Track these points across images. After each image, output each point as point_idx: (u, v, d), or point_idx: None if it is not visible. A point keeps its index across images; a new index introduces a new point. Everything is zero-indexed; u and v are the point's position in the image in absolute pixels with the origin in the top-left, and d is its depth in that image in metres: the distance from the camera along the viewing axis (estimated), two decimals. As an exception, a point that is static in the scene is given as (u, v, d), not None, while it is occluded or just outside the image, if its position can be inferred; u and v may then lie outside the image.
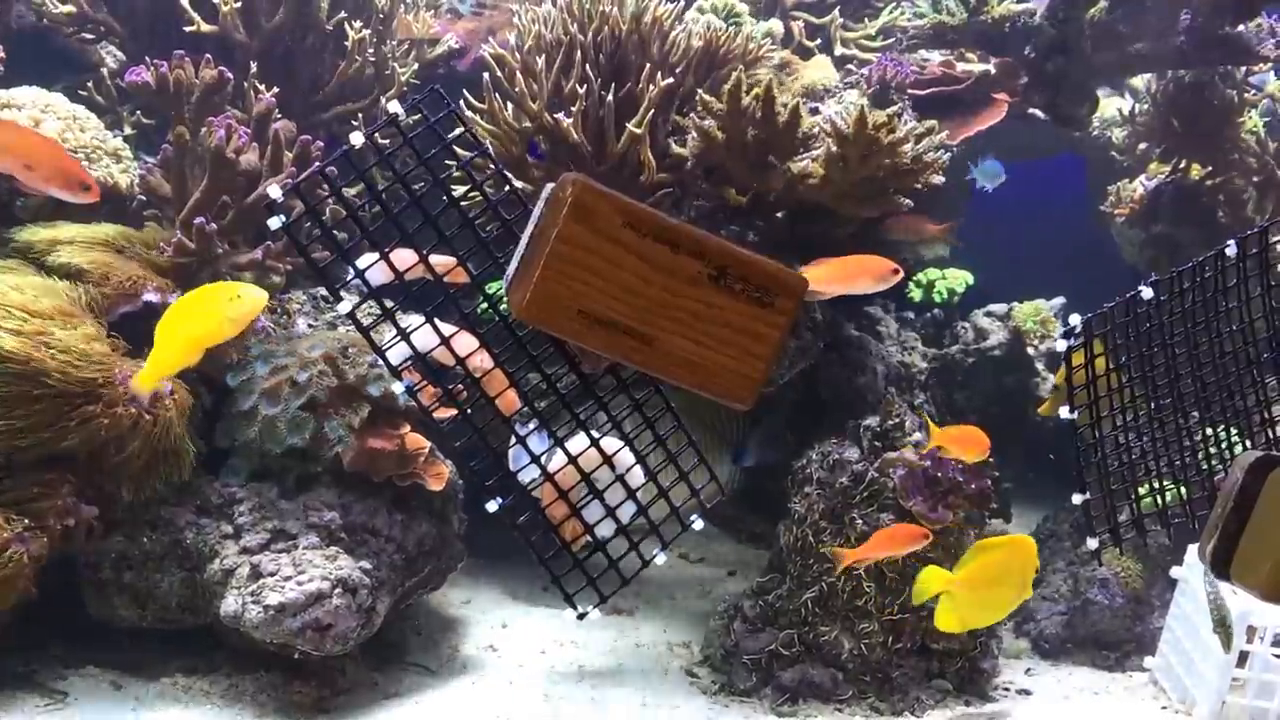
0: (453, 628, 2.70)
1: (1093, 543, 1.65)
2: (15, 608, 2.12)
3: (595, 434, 1.50)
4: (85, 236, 2.40)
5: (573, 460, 1.49)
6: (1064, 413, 1.62)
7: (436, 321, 1.45)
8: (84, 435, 2.09)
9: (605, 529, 1.51)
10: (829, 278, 2.21)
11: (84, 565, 2.24)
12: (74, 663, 2.29)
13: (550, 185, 1.26)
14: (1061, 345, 1.65)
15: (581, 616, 1.52)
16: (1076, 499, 1.65)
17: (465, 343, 1.46)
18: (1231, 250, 1.58)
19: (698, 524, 1.52)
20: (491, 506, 1.51)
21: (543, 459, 1.53)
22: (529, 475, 1.52)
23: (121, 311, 2.32)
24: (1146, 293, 1.58)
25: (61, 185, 2.01)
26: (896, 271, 2.25)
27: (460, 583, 2.80)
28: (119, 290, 2.32)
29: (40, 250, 2.34)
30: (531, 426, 1.49)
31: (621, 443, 1.51)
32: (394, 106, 1.38)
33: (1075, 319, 1.60)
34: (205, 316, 1.87)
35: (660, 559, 1.52)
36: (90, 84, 2.90)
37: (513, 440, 1.50)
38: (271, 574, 2.15)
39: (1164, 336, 1.61)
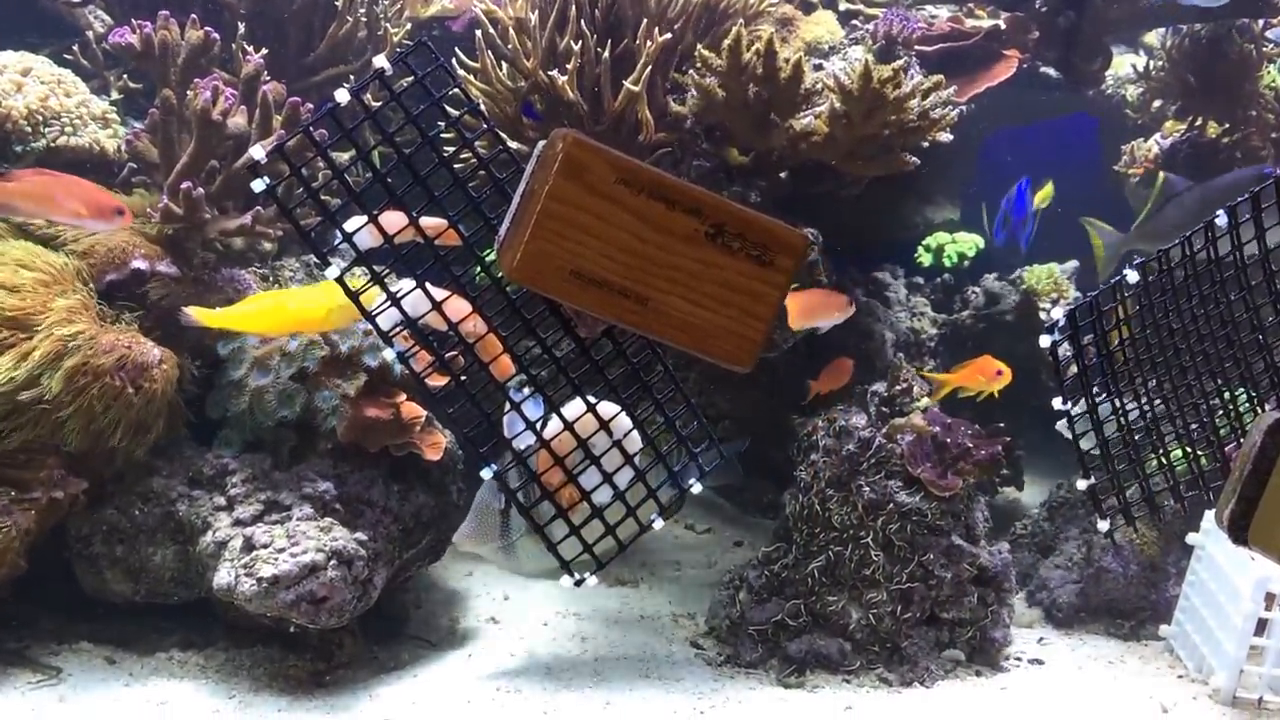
0: (454, 600, 2.66)
1: (1104, 525, 1.60)
2: (6, 582, 2.09)
3: (591, 399, 1.46)
4: (72, 204, 2.34)
5: (568, 426, 1.45)
6: (1057, 403, 1.57)
7: (427, 285, 1.41)
8: (74, 409, 2.05)
9: (602, 495, 1.48)
10: (790, 315, 2.38)
11: (75, 539, 2.20)
12: (67, 638, 2.26)
13: (542, 143, 1.21)
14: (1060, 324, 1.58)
15: (579, 583, 1.50)
16: (1081, 484, 1.60)
17: (457, 307, 1.41)
18: (1222, 221, 1.52)
19: (696, 487, 1.49)
20: (486, 474, 1.49)
21: (538, 425, 1.49)
22: (524, 442, 1.48)
23: (109, 279, 2.27)
24: (1132, 276, 1.52)
25: (94, 214, 2.08)
26: (851, 304, 2.51)
27: (461, 554, 2.75)
28: (106, 259, 2.27)
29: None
30: (526, 392, 1.44)
31: (618, 407, 1.46)
32: (380, 61, 1.32)
33: (1058, 312, 1.55)
34: (314, 303, 1.95)
35: (657, 525, 1.49)
36: (76, 48, 2.84)
37: (507, 406, 1.46)
38: (265, 546, 2.11)
39: (1154, 317, 1.55)
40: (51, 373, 2.03)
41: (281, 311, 1.99)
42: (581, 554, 1.47)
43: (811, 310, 2.45)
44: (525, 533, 2.14)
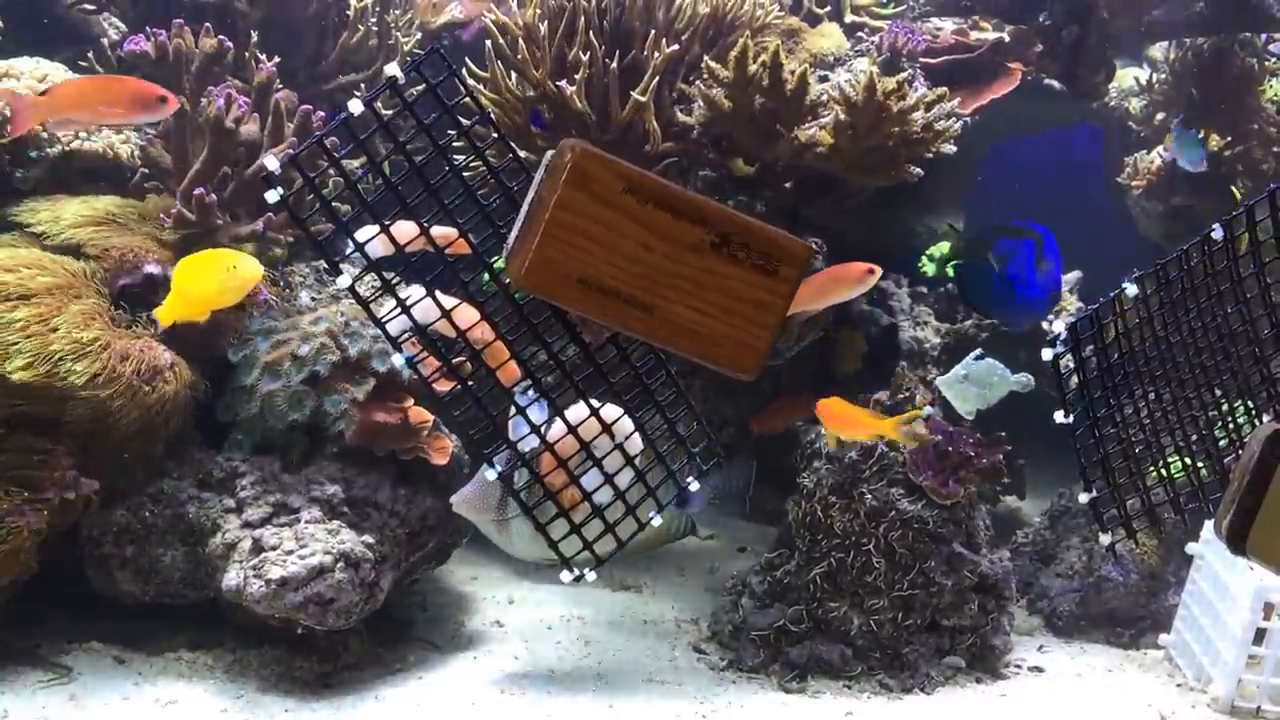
0: (459, 603, 2.68)
1: (1105, 538, 1.62)
2: (17, 582, 2.12)
3: (595, 402, 1.49)
4: (86, 211, 2.37)
5: (572, 430, 1.48)
6: (1059, 417, 1.59)
7: (437, 293, 1.43)
8: (86, 408, 2.08)
9: (603, 496, 1.51)
10: (805, 295, 2.15)
11: (85, 539, 2.23)
12: (77, 637, 2.28)
13: (551, 152, 1.24)
14: (1060, 335, 1.60)
15: (577, 580, 1.53)
16: (1083, 498, 1.62)
17: (466, 314, 1.44)
18: (1218, 234, 1.54)
19: (694, 485, 1.52)
20: (490, 475, 1.52)
21: (542, 428, 1.52)
22: (529, 445, 1.51)
23: (122, 284, 2.30)
24: (1131, 290, 1.54)
25: (141, 109, 2.11)
26: (872, 272, 2.25)
27: (467, 559, 2.78)
28: (119, 263, 2.30)
29: (40, 226, 2.32)
30: (532, 396, 1.47)
31: (620, 410, 1.50)
32: (392, 69, 1.35)
33: (1059, 326, 1.57)
34: (206, 281, 1.99)
35: (655, 521, 1.53)
36: (91, 54, 2.87)
37: (512, 410, 1.49)
38: (273, 548, 2.13)
39: (1154, 330, 1.57)
40: (73, 363, 2.06)
41: (181, 294, 2.03)
42: (581, 551, 1.50)
43: (823, 289, 2.27)
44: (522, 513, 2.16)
